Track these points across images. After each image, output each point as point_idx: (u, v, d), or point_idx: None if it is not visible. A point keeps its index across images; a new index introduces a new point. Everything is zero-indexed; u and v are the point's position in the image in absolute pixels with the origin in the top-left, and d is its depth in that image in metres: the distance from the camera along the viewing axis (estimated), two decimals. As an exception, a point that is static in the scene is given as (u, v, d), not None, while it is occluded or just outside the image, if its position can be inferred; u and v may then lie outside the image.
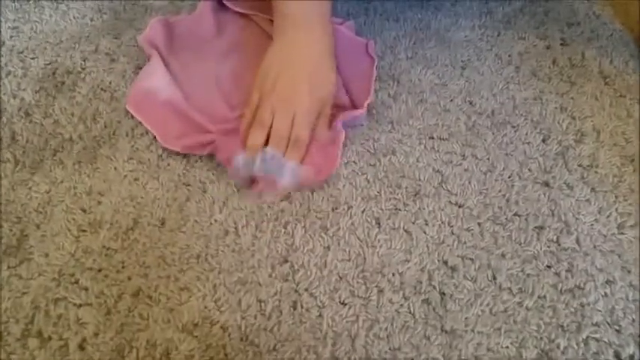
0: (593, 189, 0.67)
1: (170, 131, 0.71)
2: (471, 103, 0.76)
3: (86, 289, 0.60)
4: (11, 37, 0.87)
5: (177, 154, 0.71)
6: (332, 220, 0.65)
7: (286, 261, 0.62)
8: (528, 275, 0.60)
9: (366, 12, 0.89)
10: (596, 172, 0.68)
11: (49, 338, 0.57)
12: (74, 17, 0.90)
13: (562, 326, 0.57)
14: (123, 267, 0.62)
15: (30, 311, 0.59)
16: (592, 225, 0.64)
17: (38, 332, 0.58)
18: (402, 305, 0.58)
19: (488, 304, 0.59)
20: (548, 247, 0.62)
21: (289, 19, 0.69)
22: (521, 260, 0.61)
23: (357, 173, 0.69)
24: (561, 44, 0.84)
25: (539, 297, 0.59)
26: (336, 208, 0.66)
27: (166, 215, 0.66)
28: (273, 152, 0.66)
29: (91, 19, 0.89)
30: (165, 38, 0.79)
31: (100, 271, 0.62)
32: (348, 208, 0.66)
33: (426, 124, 0.74)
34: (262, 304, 0.59)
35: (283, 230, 0.64)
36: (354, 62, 0.77)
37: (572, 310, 0.58)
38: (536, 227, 0.64)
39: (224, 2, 0.84)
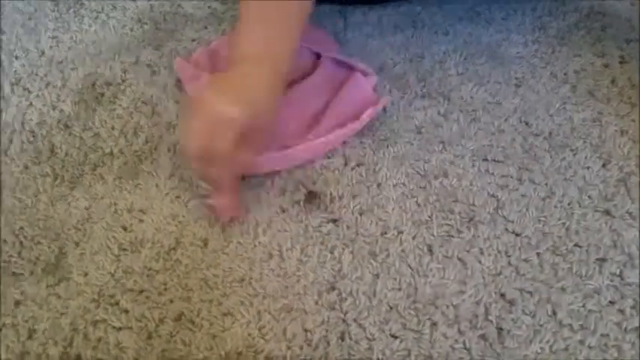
0: (657, 219, 0.63)
1: None
2: (526, 124, 0.72)
3: (126, 312, 0.58)
4: (51, 47, 0.86)
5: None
6: (381, 245, 0.62)
7: (333, 288, 0.59)
8: (590, 311, 0.57)
9: (414, 24, 0.86)
10: (660, 201, 0.65)
11: (88, 363, 0.55)
12: (114, 27, 0.89)
13: (628, 368, 0.54)
14: (165, 289, 0.60)
15: (69, 333, 0.57)
16: (658, 258, 0.60)
17: (77, 356, 0.56)
18: (456, 340, 0.55)
19: (548, 341, 0.55)
20: (611, 281, 0.59)
21: (241, 58, 0.63)
22: (583, 295, 0.58)
23: (407, 196, 0.66)
24: (620, 62, 0.80)
25: (602, 335, 0.55)
26: (386, 233, 0.63)
27: (209, 235, 0.64)
28: None
29: (131, 30, 0.88)
30: (210, 65, 0.79)
31: (141, 292, 0.60)
32: (398, 234, 0.63)
33: (479, 144, 0.70)
34: (309, 334, 0.56)
35: (330, 255, 0.62)
36: (351, 114, 0.72)
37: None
38: (597, 259, 0.60)
39: None
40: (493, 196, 0.65)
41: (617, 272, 0.59)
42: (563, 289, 0.58)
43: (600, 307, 0.57)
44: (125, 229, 0.64)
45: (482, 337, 0.55)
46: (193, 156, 0.59)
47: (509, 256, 0.61)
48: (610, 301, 0.58)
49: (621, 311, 0.57)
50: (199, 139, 0.58)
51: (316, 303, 0.58)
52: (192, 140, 0.58)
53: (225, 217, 0.64)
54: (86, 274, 0.61)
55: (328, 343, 0.56)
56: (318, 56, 0.78)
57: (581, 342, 0.55)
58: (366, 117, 0.71)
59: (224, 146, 0.57)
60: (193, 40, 0.85)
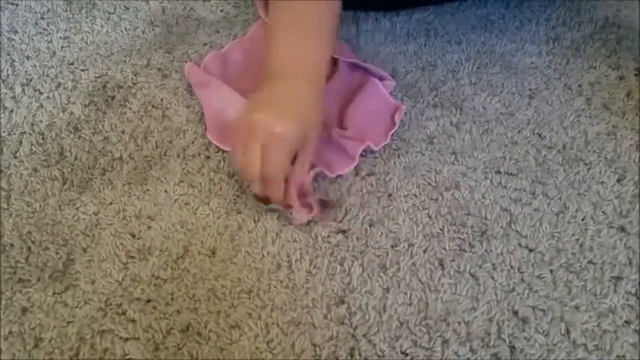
0: (674, 237, 0.62)
1: None
2: (540, 136, 0.71)
3: (134, 322, 0.58)
4: (62, 47, 0.85)
5: (229, 178, 0.68)
6: (391, 258, 0.61)
7: (342, 302, 0.58)
8: (605, 331, 0.56)
9: (426, 33, 0.85)
10: (677, 218, 0.64)
11: (95, 373, 0.55)
12: (126, 29, 0.88)
13: (642, 390, 0.53)
14: (172, 299, 0.59)
15: (75, 343, 0.56)
16: (674, 277, 0.59)
17: (83, 366, 0.55)
18: (468, 359, 0.54)
19: (561, 362, 0.54)
20: (627, 300, 0.58)
21: (279, 69, 0.64)
22: (597, 314, 0.57)
23: (418, 208, 0.65)
24: (636, 75, 0.79)
25: (617, 356, 0.55)
26: (396, 246, 0.62)
27: (217, 244, 0.63)
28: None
29: (143, 32, 0.87)
30: (220, 70, 0.78)
31: (148, 302, 0.59)
32: (409, 246, 0.62)
33: (492, 156, 0.69)
34: (317, 349, 0.56)
35: (339, 267, 0.61)
36: (375, 120, 0.72)
37: (654, 372, 0.54)
38: (612, 277, 0.59)
39: None
40: (506, 210, 0.64)
41: (633, 291, 0.59)
42: (577, 308, 0.57)
43: (615, 327, 0.56)
44: (133, 235, 0.64)
45: (495, 355, 0.55)
46: (256, 179, 0.61)
47: (522, 273, 0.60)
48: (626, 321, 0.57)
49: (637, 332, 0.56)
50: (259, 162, 0.59)
51: (325, 317, 0.57)
52: (252, 164, 0.59)
53: (303, 220, 0.64)
54: (93, 282, 0.60)
55: (337, 359, 0.55)
56: (334, 61, 0.77)
57: (596, 363, 0.54)
58: (397, 118, 0.71)
59: (282, 164, 0.60)
60: (205, 45, 0.84)
